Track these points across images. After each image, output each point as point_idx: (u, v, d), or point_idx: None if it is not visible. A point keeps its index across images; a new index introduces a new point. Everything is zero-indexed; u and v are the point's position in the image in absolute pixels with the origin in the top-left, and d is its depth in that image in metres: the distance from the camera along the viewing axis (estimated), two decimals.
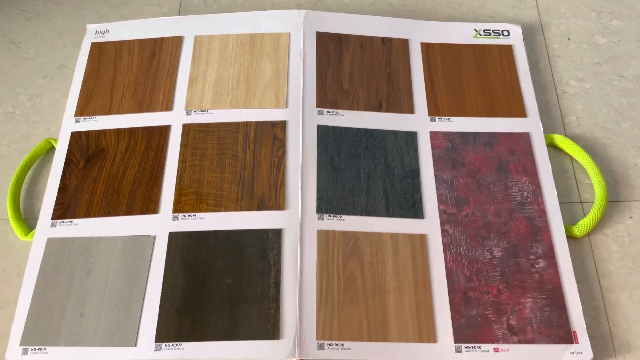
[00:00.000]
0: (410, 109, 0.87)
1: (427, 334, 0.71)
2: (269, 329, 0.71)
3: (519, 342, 0.71)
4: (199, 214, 0.79)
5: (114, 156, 0.84)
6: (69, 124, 0.87)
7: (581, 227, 0.79)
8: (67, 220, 0.79)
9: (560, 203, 0.80)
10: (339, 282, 0.74)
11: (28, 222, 0.83)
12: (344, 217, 0.78)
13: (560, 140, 0.85)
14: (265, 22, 0.94)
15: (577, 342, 0.71)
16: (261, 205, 0.79)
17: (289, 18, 0.94)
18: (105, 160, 0.84)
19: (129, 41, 0.94)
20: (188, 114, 0.87)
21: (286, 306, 0.72)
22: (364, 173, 0.82)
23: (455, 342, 0.71)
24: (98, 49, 0.94)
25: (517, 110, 0.87)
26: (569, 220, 0.81)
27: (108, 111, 0.88)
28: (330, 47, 0.92)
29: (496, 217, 0.79)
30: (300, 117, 0.85)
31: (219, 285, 0.74)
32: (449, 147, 0.84)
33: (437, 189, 0.81)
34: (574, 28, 0.98)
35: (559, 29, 0.98)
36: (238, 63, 0.91)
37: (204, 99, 0.88)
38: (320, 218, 0.78)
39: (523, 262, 0.76)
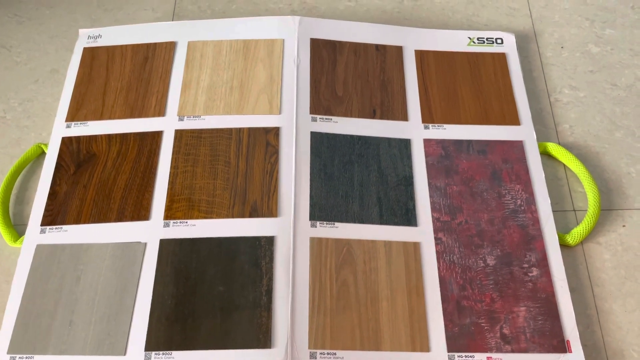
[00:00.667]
0: (404, 116, 0.87)
1: (420, 343, 0.71)
2: (260, 337, 0.70)
3: (512, 351, 0.70)
4: (190, 221, 0.78)
5: (105, 162, 0.83)
6: (60, 129, 0.87)
7: (574, 235, 0.78)
8: (57, 226, 0.79)
9: (553, 211, 0.80)
10: (331, 290, 0.74)
11: (17, 228, 0.82)
12: (337, 224, 0.78)
13: (553, 148, 0.85)
14: (259, 28, 0.94)
15: (570, 351, 0.70)
16: (253, 212, 0.78)
17: (283, 24, 0.94)
18: (96, 166, 0.83)
19: (122, 46, 0.94)
20: (181, 119, 0.86)
21: (278, 314, 0.72)
22: (357, 180, 0.81)
23: (449, 351, 0.70)
24: (90, 54, 0.93)
25: (511, 118, 0.87)
26: (562, 229, 0.81)
27: (100, 116, 0.87)
28: (324, 53, 0.92)
29: (489, 225, 0.79)
30: (294, 123, 0.85)
31: (211, 293, 0.73)
32: (442, 154, 0.84)
33: (431, 196, 0.81)
34: (567, 36, 0.98)
35: (552, 38, 0.98)
36: (231, 69, 0.90)
37: (197, 104, 0.87)
38: (313, 225, 0.77)
39: (516, 271, 0.76)
